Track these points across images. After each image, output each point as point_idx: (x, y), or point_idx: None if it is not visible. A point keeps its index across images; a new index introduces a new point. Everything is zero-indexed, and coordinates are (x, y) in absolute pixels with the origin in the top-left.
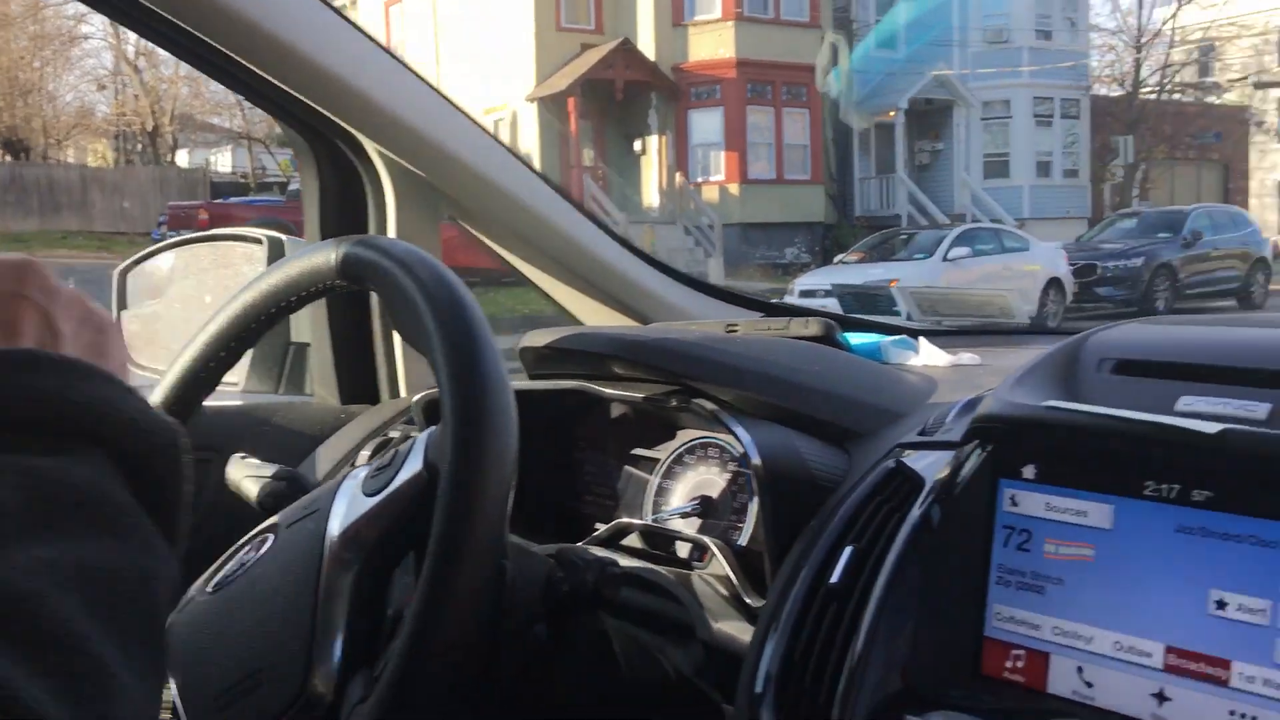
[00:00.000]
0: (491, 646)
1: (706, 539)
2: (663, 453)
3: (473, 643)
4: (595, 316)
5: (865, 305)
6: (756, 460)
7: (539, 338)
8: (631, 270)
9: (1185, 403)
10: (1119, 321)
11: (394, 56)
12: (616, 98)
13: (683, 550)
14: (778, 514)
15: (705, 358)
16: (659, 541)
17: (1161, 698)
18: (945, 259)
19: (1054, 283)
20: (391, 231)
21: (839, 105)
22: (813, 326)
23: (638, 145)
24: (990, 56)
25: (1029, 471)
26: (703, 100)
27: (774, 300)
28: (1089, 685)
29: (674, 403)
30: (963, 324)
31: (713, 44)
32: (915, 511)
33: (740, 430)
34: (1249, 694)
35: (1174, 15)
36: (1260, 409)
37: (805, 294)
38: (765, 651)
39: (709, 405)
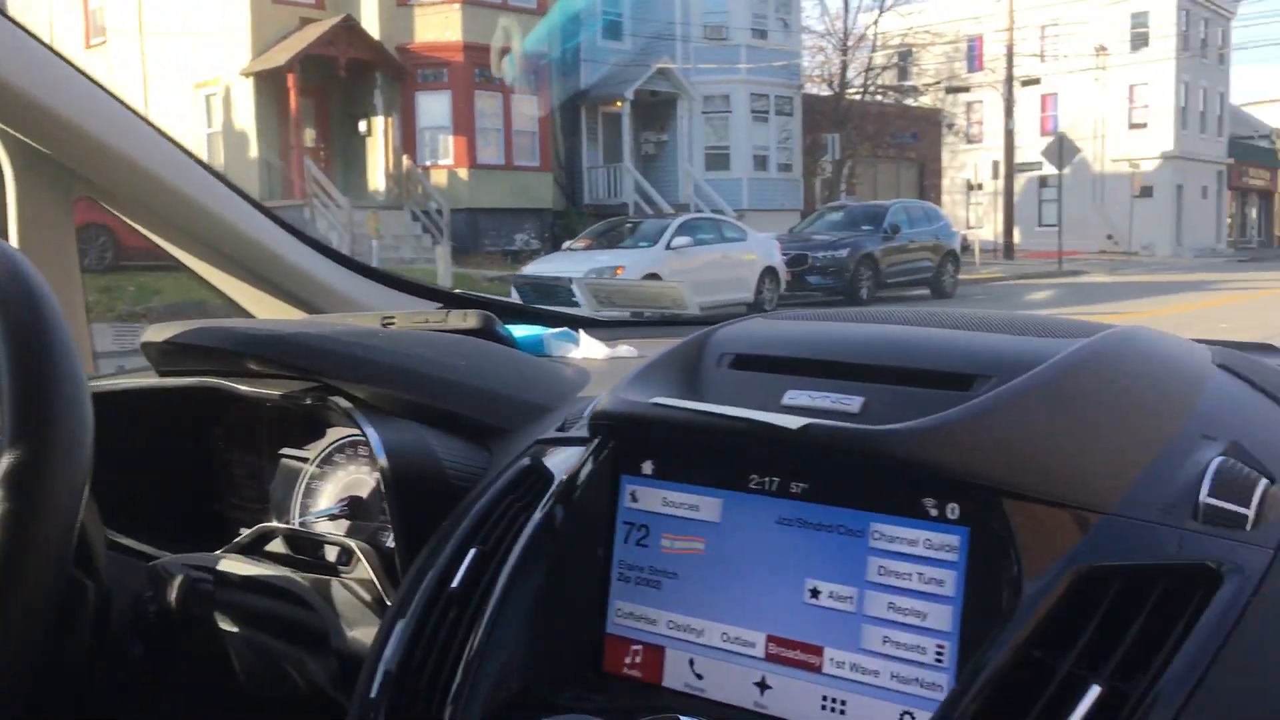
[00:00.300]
0: (82, 668)
1: (350, 541)
2: (312, 452)
3: (31, 676)
4: (261, 307)
5: (545, 296)
6: (383, 460)
7: (160, 332)
8: (298, 259)
9: (790, 396)
10: (745, 316)
11: (4, 15)
12: (340, 75)
13: (332, 554)
14: (406, 514)
15: (340, 353)
16: (306, 545)
17: (763, 686)
18: (668, 247)
19: (769, 271)
20: (11, 211)
21: (563, 92)
22: (471, 319)
23: (363, 126)
24: (710, 53)
25: (648, 467)
26: (430, 83)
27: (459, 291)
28: (700, 677)
29: (309, 400)
30: (649, 315)
31: (439, 26)
32: (538, 512)
33: (369, 429)
34: (839, 679)
35: (875, 21)
36: (854, 402)
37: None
38: (384, 656)
39: (344, 403)
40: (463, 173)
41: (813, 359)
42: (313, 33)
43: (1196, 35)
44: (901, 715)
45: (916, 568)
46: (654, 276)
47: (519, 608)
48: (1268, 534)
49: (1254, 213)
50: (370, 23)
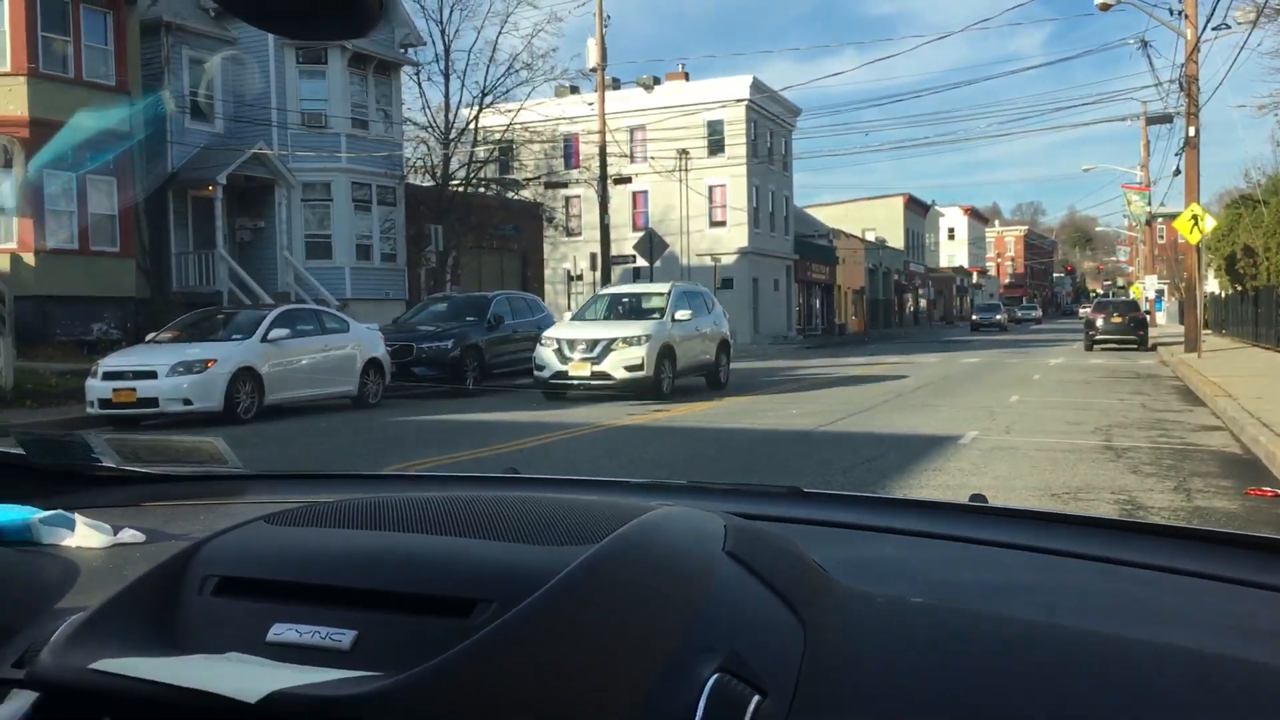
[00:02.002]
0: None
1: None
2: None
3: None
4: None
5: (54, 452)
6: None
7: None
8: None
9: (276, 632)
10: (244, 522)
11: None
12: None
13: None
14: None
15: None
16: None
17: None
18: (265, 339)
19: (373, 363)
20: None
21: (148, 174)
22: None
23: None
24: (310, 140)
25: None
26: None
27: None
28: None
29: None
30: (178, 470)
31: (2, 99)
32: None
33: None
34: None
35: (476, 116)
36: (346, 637)
37: (110, 375)
38: None
39: None
40: (29, 257)
41: (303, 582)
42: None
43: (764, 144)
44: None
45: None
46: (249, 370)
47: None
48: None
49: (817, 303)
50: None
